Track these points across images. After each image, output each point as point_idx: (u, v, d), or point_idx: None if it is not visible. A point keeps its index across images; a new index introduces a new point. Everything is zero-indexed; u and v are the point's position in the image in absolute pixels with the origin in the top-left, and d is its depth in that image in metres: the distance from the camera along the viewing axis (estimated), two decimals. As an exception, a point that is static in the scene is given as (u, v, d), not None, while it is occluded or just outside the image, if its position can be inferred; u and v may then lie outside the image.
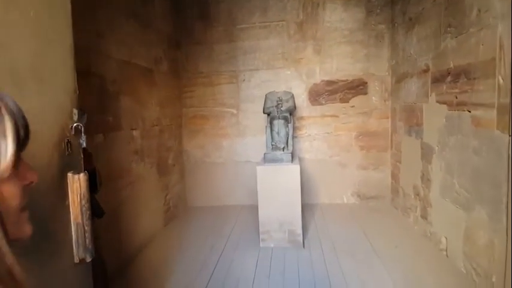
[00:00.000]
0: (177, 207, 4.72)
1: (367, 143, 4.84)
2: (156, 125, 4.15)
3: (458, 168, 2.84)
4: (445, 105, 3.09)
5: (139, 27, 3.79)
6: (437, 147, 3.26)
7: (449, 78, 3.01)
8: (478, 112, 2.52)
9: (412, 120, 3.95)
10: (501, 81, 2.21)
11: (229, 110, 4.99)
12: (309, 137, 4.92)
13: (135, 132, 3.60)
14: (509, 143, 2.14)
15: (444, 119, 3.11)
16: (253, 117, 4.89)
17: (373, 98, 4.79)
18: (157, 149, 4.17)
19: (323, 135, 4.89)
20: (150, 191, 3.93)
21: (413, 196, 3.93)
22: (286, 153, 3.54)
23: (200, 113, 5.02)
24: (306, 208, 4.70)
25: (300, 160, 4.73)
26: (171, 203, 4.53)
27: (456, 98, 2.86)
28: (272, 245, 3.44)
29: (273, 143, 3.58)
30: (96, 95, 2.92)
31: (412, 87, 3.93)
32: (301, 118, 4.90)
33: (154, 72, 4.15)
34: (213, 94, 4.98)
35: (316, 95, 4.86)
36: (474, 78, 2.56)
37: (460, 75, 2.79)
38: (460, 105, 2.80)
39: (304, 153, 4.94)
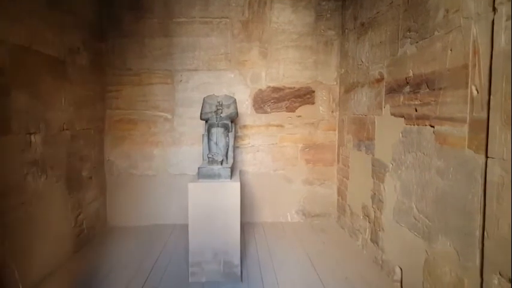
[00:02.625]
0: (93, 229, 3.95)
1: (313, 156, 4.48)
2: (67, 129, 3.40)
3: (417, 191, 2.50)
4: (401, 119, 2.77)
5: (47, 4, 3.06)
6: (391, 165, 2.94)
7: (407, 89, 2.69)
8: (443, 128, 2.20)
9: (362, 134, 3.64)
10: (475, 92, 1.89)
11: (162, 114, 4.35)
12: (252, 148, 4.44)
13: (33, 138, 2.85)
14: (484, 165, 1.80)
15: (400, 134, 2.79)
16: (191, 124, 4.30)
17: (321, 108, 4.45)
18: (67, 158, 3.41)
19: (268, 146, 4.45)
20: (53, 212, 3.16)
21: (362, 217, 3.60)
22: (225, 167, 3.01)
23: (127, 117, 4.32)
24: (247, 228, 4.19)
25: (242, 174, 4.24)
26: (85, 225, 3.77)
27: (416, 110, 2.55)
28: (204, 280, 2.87)
29: (210, 156, 3.02)
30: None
31: (363, 97, 3.62)
32: (244, 127, 4.42)
33: (67, 64, 3.41)
34: (143, 95, 4.31)
35: (262, 102, 4.41)
36: (439, 89, 2.24)
37: (421, 84, 2.47)
38: (420, 118, 2.48)
39: (246, 166, 4.44)
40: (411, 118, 2.62)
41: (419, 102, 2.49)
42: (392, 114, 2.93)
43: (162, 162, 4.38)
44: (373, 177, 3.32)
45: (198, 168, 2.98)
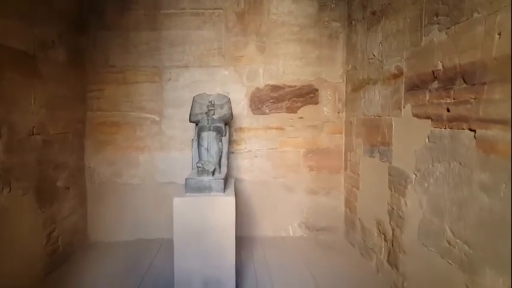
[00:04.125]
0: (71, 246, 3.48)
1: (317, 163, 4.02)
2: (38, 134, 2.94)
3: (451, 209, 2.06)
4: (427, 121, 2.33)
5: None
6: (415, 176, 2.49)
7: (435, 84, 2.25)
8: (490, 132, 1.75)
9: (374, 138, 3.19)
10: (540, 86, 1.44)
11: (149, 116, 3.89)
12: (249, 154, 3.99)
13: (-11, 144, 2.39)
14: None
15: (426, 139, 2.34)
16: (181, 127, 3.84)
17: (325, 108, 4.00)
18: (38, 167, 2.95)
19: (266, 151, 3.99)
20: (19, 229, 2.69)
21: (376, 234, 3.15)
22: (217, 179, 2.55)
23: (110, 119, 3.86)
24: (244, 243, 3.74)
25: (238, 182, 3.79)
26: (61, 241, 3.30)
27: (448, 111, 2.10)
28: (192, 315, 2.41)
29: (199, 165, 2.56)
30: None
31: (376, 96, 3.18)
32: (240, 130, 3.96)
33: (38, 59, 2.95)
34: (127, 95, 3.85)
35: (259, 102, 3.96)
36: (482, 83, 1.80)
37: (455, 79, 2.03)
38: (455, 120, 2.03)
39: (243, 173, 3.99)
40: (441, 120, 2.18)
41: (453, 100, 2.05)
42: (415, 115, 2.49)
43: (149, 169, 3.92)
44: (390, 189, 2.87)
45: (186, 179, 2.52)
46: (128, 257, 3.46)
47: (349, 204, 3.86)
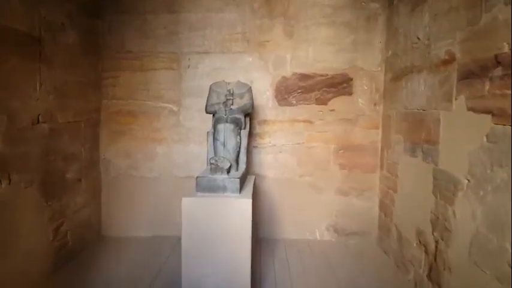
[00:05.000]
0: (82, 241, 3.31)
1: (349, 160, 3.62)
2: (44, 122, 2.75)
3: (519, 227, 1.63)
4: (487, 116, 1.89)
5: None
6: (467, 182, 2.06)
7: (499, 71, 1.81)
8: None
9: (417, 135, 2.76)
10: None
11: (167, 105, 3.64)
12: (273, 148, 3.65)
13: (-15, 133, 2.19)
14: None
15: (485, 138, 1.91)
16: (200, 118, 3.56)
17: (360, 100, 3.58)
18: (44, 158, 2.76)
19: (292, 146, 3.64)
20: (21, 224, 2.51)
21: (415, 244, 2.74)
22: (232, 178, 2.24)
23: (126, 108, 3.64)
24: (265, 246, 3.44)
25: (261, 179, 3.48)
26: (70, 236, 3.13)
27: (519, 103, 1.66)
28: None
29: (213, 161, 2.26)
30: None
31: (421, 86, 2.74)
32: (264, 122, 3.63)
33: (45, 42, 2.74)
34: (145, 83, 3.61)
35: (286, 93, 3.60)
36: None
37: (531, 63, 1.58)
38: (528, 116, 1.60)
39: (266, 169, 3.66)
40: (505, 115, 1.74)
41: (527, 90, 1.61)
42: (471, 109, 2.05)
43: (167, 162, 3.67)
44: (435, 195, 2.45)
45: (196, 178, 2.22)
46: (142, 254, 3.25)
47: (385, 208, 3.44)
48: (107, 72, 3.59)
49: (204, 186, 2.20)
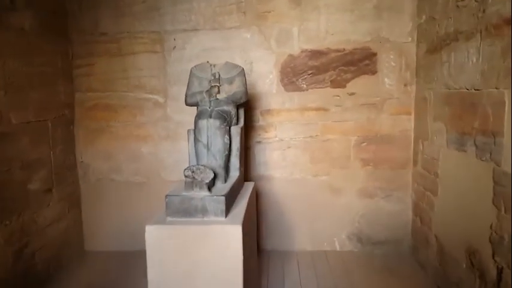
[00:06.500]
0: (57, 260, 2.82)
1: (374, 155, 2.96)
2: (-10, 125, 2.20)
3: None
4: None
5: None
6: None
7: None
8: None
9: (468, 123, 2.08)
10: None
11: (151, 96, 3.04)
12: (280, 144, 3.02)
13: None
14: None
15: None
16: (191, 109, 2.89)
17: (386, 80, 2.90)
18: (-8, 168, 2.22)
19: (303, 140, 2.99)
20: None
21: (465, 265, 2.09)
22: (216, 196, 1.62)
23: (104, 101, 3.07)
24: (274, 260, 2.93)
25: (266, 180, 2.91)
26: (39, 258, 2.62)
27: None
28: None
29: (188, 173, 1.64)
30: None
31: (471, 58, 2.05)
32: (268, 112, 2.99)
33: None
34: (123, 70, 3.02)
35: (294, 75, 2.94)
36: None
37: None
38: None
39: (272, 169, 3.04)
40: None
41: None
42: None
43: (154, 163, 3.10)
44: (496, 206, 1.78)
45: (166, 196, 1.62)
46: (126, 272, 2.74)
47: (420, 212, 2.78)
48: (79, 59, 3.02)
49: (177, 208, 1.60)
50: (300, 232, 3.08)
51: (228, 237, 1.53)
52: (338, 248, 3.07)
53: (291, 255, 2.99)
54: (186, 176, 1.62)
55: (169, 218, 1.60)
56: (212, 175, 1.66)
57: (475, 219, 1.99)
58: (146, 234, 1.54)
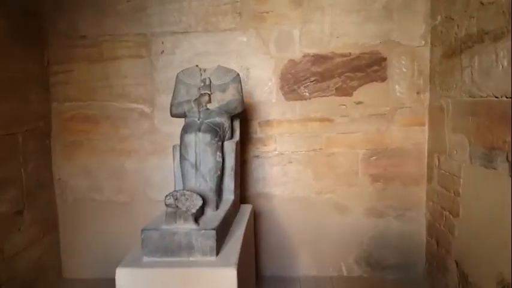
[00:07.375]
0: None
1: (385, 170, 2.68)
2: None
3: None
4: None
5: None
6: None
7: None
8: None
9: (497, 135, 1.81)
10: None
11: (136, 106, 2.75)
12: (281, 158, 2.73)
13: None
14: None
15: None
16: (180, 120, 2.65)
17: (397, 87, 2.63)
18: None
19: (306, 154, 2.71)
20: None
21: (500, 303, 1.79)
22: (204, 229, 1.32)
23: (84, 112, 2.77)
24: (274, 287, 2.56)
25: (266, 199, 2.58)
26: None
27: None
28: None
29: (169, 201, 1.34)
30: None
31: (500, 61, 1.79)
32: (267, 123, 2.71)
33: None
34: (105, 77, 2.73)
35: (295, 82, 2.66)
36: None
37: None
38: None
39: (272, 186, 2.74)
40: None
41: None
42: None
43: (139, 181, 2.79)
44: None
45: (142, 231, 1.31)
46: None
47: (437, 233, 2.49)
48: (56, 65, 2.72)
49: (155, 246, 1.28)
50: (302, 256, 2.77)
51: (219, 282, 1.22)
52: (345, 273, 2.77)
53: (294, 282, 2.69)
54: (167, 205, 1.32)
55: (146, 258, 1.29)
56: (200, 203, 1.36)
57: (508, 247, 1.71)
58: (117, 279, 1.22)
